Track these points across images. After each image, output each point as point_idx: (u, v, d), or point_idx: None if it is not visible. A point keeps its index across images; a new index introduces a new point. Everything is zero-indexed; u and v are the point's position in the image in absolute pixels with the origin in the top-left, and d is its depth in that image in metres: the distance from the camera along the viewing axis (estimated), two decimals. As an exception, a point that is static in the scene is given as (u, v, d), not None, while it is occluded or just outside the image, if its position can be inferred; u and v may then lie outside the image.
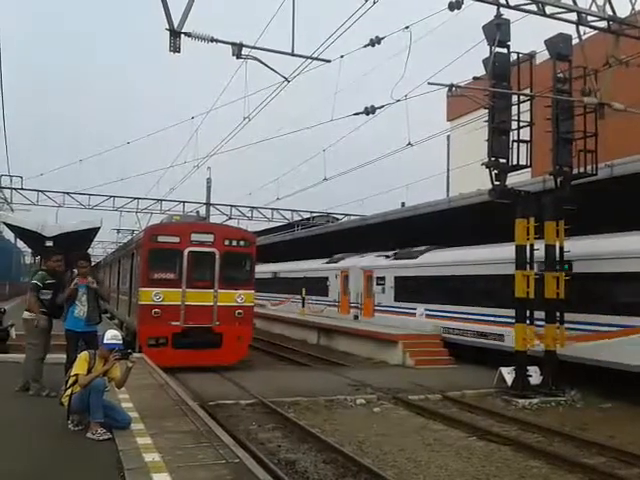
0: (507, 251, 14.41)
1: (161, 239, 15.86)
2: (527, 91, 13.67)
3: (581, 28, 12.41)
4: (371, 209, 32.28)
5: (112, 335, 7.23)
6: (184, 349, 14.96)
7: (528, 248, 13.36)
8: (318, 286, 27.86)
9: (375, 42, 11.51)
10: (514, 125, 13.34)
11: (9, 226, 38.06)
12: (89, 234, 40.87)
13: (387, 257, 22.80)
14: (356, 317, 24.28)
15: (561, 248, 13.50)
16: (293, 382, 14.15)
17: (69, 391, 6.94)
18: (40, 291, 9.08)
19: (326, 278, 27.24)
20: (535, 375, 13.26)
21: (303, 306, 28.18)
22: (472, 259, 17.90)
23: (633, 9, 12.35)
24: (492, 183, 13.38)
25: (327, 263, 27.73)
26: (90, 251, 63.81)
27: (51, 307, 9.17)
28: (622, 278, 12.82)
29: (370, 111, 12.65)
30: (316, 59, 10.99)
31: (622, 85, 14.15)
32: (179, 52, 9.42)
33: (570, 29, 12.75)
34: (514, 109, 13.37)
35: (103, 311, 9.66)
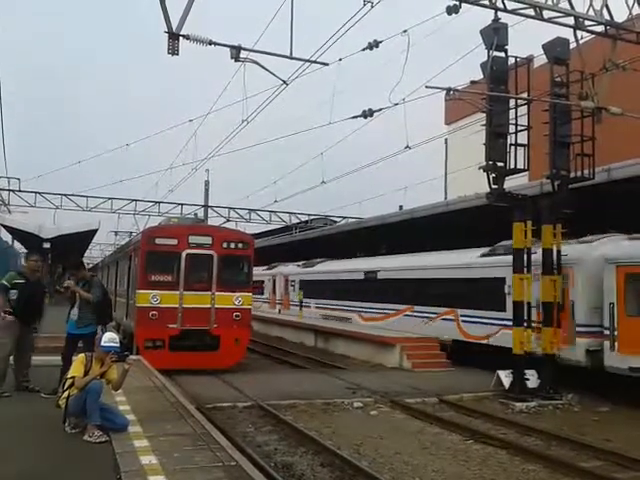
0: None
1: (159, 241, 15.85)
2: (525, 95, 13.70)
3: (578, 32, 12.48)
4: (369, 212, 32.36)
5: (109, 338, 7.23)
6: (181, 351, 14.94)
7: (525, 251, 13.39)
8: (481, 293, 16.62)
9: (373, 45, 11.58)
10: (512, 129, 13.36)
11: (6, 228, 38.02)
12: (87, 236, 40.85)
13: None
14: None
15: (558, 251, 13.53)
16: (290, 385, 14.13)
17: (66, 393, 6.94)
18: (9, 291, 9.05)
19: (499, 280, 15.68)
20: (532, 378, 13.25)
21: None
22: None
23: (630, 14, 12.42)
24: (490, 186, 13.41)
25: (491, 255, 16.75)
26: (87, 253, 63.79)
27: (18, 308, 9.05)
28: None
29: (368, 114, 12.69)
30: (314, 62, 11.04)
31: (619, 89, 14.20)
32: (177, 54, 9.46)
33: (568, 33, 12.82)
34: (512, 113, 13.40)
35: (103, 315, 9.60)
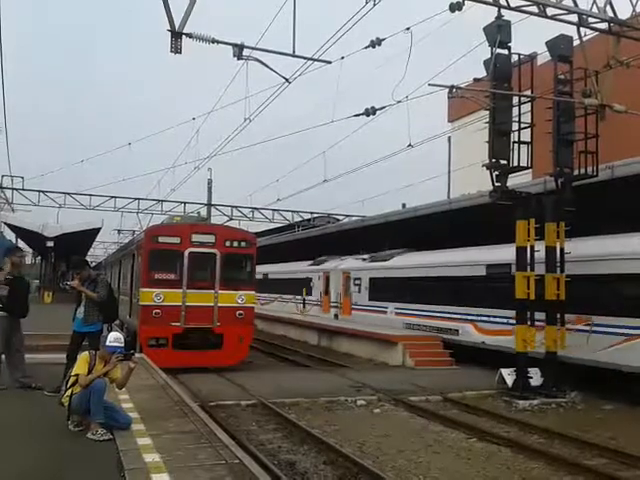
0: None
1: (162, 240, 15.88)
2: (528, 92, 13.67)
3: (582, 29, 12.43)
4: (371, 210, 32.34)
5: (114, 338, 7.23)
6: (184, 350, 14.99)
7: (529, 249, 13.36)
8: None
9: (376, 43, 11.54)
10: (515, 126, 13.34)
11: (10, 226, 38.15)
12: (90, 234, 40.98)
13: None
14: None
15: (562, 249, 13.50)
16: (293, 383, 14.14)
17: (69, 391, 6.95)
18: None
19: None
20: (536, 376, 13.25)
21: None
22: None
23: (634, 11, 12.36)
24: (493, 184, 13.38)
25: None
26: (91, 251, 63.97)
27: (8, 304, 9.23)
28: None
29: (370, 112, 12.68)
30: (317, 60, 11.01)
31: (623, 87, 14.17)
32: (180, 53, 9.44)
33: (571, 30, 12.79)
34: (515, 110, 13.37)
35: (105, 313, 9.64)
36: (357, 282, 24.04)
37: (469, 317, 17.29)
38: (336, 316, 25.53)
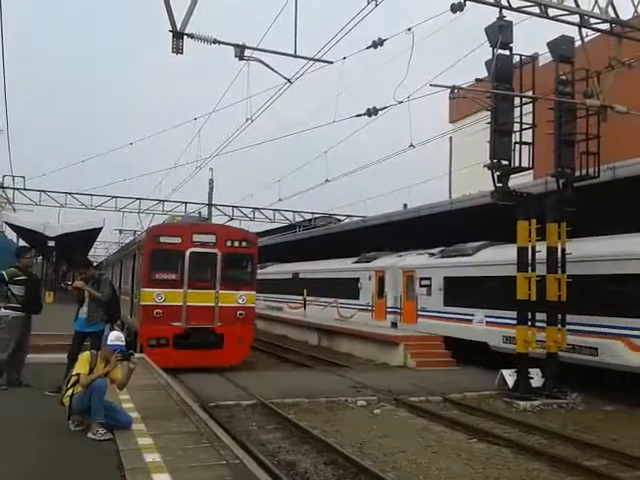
0: None
1: (163, 240, 15.91)
2: (529, 93, 13.66)
3: (584, 30, 12.43)
4: (373, 211, 32.30)
5: (116, 337, 7.25)
6: (185, 350, 15.00)
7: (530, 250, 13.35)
8: None
9: (377, 44, 11.55)
10: (516, 127, 13.33)
11: (11, 226, 38.17)
12: (91, 234, 40.99)
13: None
14: None
15: (563, 250, 13.49)
16: (294, 383, 14.14)
17: (70, 391, 6.95)
18: (7, 285, 9.32)
19: None
20: (537, 377, 13.24)
21: None
22: None
23: (636, 12, 12.35)
24: (494, 185, 13.38)
25: None
26: (92, 251, 63.99)
27: (26, 303, 9.40)
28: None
29: (372, 112, 12.68)
30: (318, 60, 11.02)
31: (625, 87, 14.15)
32: (182, 53, 9.46)
33: (573, 31, 12.78)
34: (516, 111, 13.36)
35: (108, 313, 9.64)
36: (425, 283, 19.66)
37: (618, 331, 12.61)
38: (394, 324, 21.14)
